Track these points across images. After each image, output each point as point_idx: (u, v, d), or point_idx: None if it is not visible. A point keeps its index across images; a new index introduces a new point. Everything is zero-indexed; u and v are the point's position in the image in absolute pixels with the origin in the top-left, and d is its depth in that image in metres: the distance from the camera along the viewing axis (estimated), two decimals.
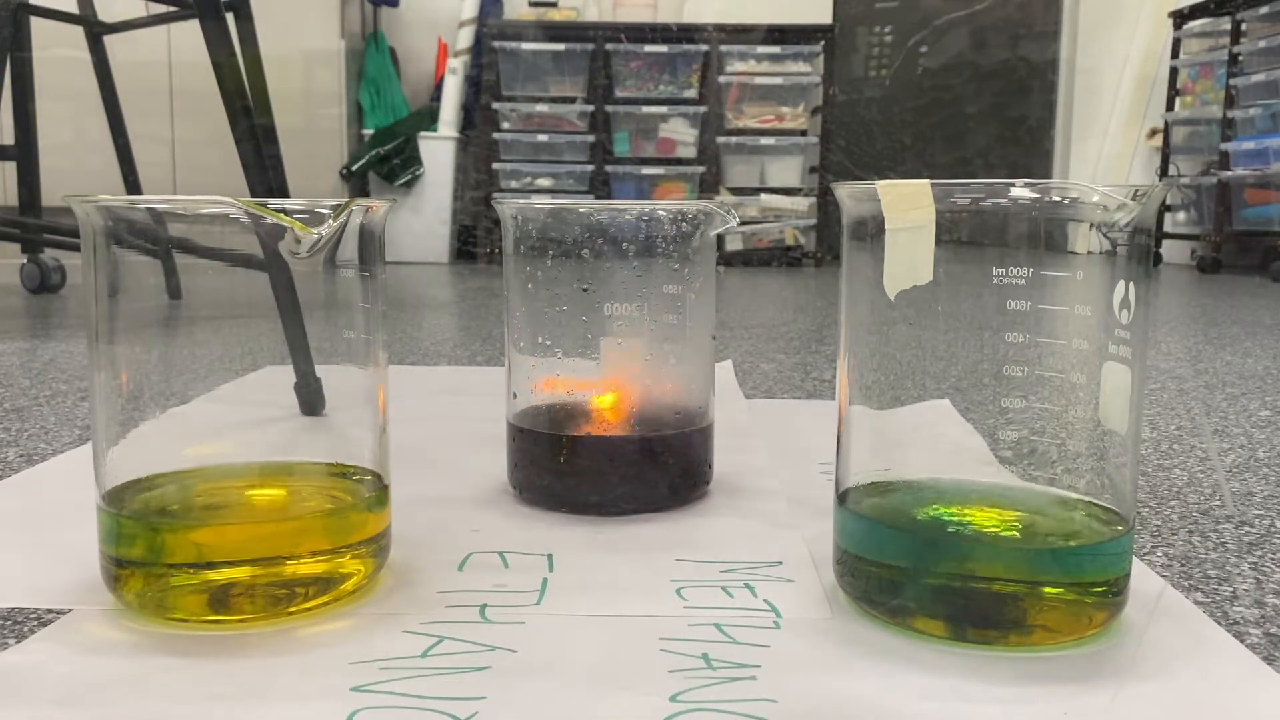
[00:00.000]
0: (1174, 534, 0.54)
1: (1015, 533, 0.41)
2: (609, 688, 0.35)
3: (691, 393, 0.57)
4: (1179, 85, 3.45)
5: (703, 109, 3.51)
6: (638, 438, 0.55)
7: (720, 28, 3.47)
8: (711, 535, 0.52)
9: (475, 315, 1.77)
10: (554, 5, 3.58)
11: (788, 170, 3.55)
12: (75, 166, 2.55)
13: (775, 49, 3.48)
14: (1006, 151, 3.85)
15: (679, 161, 3.50)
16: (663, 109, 3.48)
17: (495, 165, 3.45)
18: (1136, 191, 0.37)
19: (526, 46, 3.43)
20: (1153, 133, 3.57)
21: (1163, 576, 0.47)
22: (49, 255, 1.93)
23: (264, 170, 0.88)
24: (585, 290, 0.54)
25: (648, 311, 0.54)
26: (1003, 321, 0.39)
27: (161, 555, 0.40)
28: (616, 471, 0.55)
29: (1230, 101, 3.14)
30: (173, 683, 0.35)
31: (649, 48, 3.46)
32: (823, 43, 3.48)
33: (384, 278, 0.45)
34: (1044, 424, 0.40)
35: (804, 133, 3.52)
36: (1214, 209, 3.18)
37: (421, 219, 3.40)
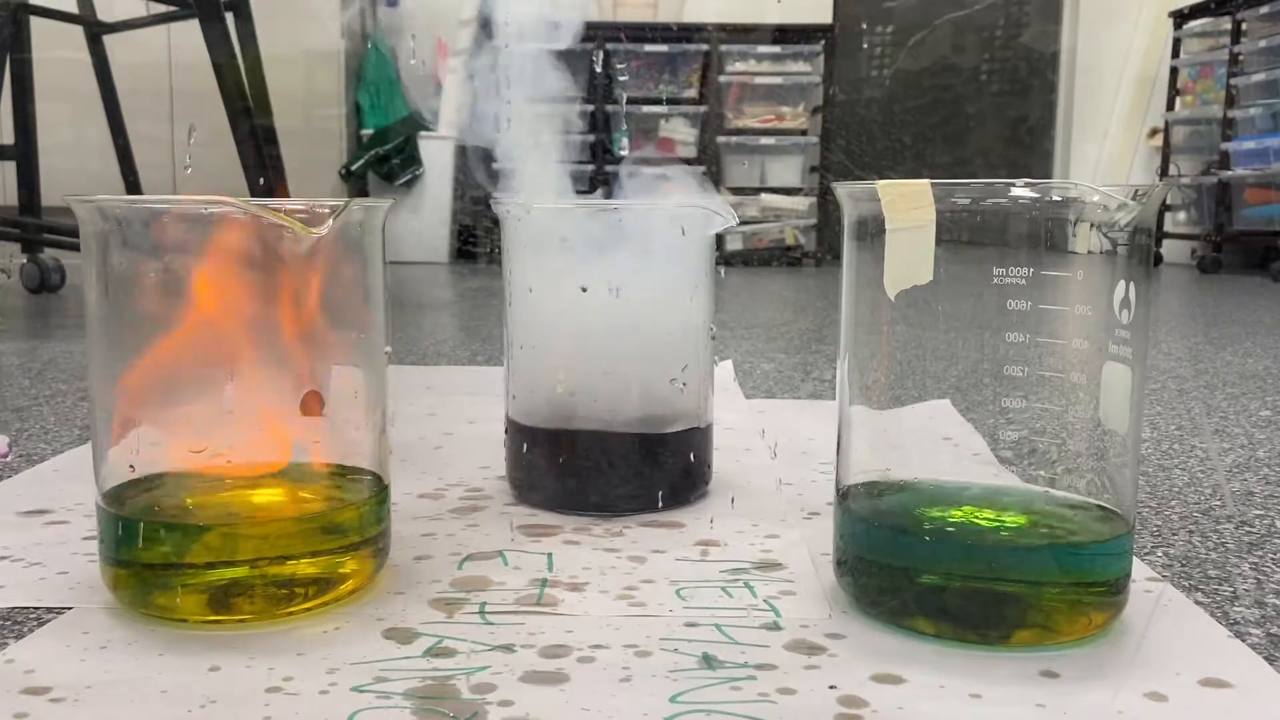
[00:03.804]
0: (1174, 534, 0.54)
1: (1015, 533, 0.41)
2: (609, 688, 0.35)
3: (691, 392, 0.57)
4: (1179, 85, 3.45)
5: (703, 109, 3.51)
6: (638, 438, 0.55)
7: (720, 27, 3.47)
8: (712, 535, 0.52)
9: (475, 315, 1.77)
10: None
11: (788, 170, 3.55)
12: (75, 167, 2.55)
13: (775, 49, 3.48)
14: (1006, 151, 3.85)
15: (679, 161, 3.49)
16: (663, 109, 3.48)
17: (495, 165, 3.45)
18: (1137, 191, 0.37)
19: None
20: (1153, 132, 3.57)
21: (1163, 576, 0.47)
22: (49, 255, 1.93)
23: (264, 170, 0.88)
24: (585, 290, 0.54)
25: (647, 310, 0.54)
26: (1003, 321, 0.39)
27: (161, 555, 0.40)
28: (616, 471, 0.55)
29: (1230, 101, 3.14)
30: (173, 683, 0.35)
31: (649, 47, 3.46)
32: (823, 43, 3.48)
33: (385, 278, 0.45)
34: (1044, 424, 0.40)
35: (804, 133, 3.53)
36: (1214, 209, 3.18)
37: (421, 219, 3.40)
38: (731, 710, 0.33)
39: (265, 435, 0.43)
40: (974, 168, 3.76)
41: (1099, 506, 0.40)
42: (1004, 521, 0.41)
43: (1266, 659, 0.38)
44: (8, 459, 0.56)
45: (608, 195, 0.57)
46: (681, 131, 3.50)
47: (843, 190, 0.41)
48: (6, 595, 0.43)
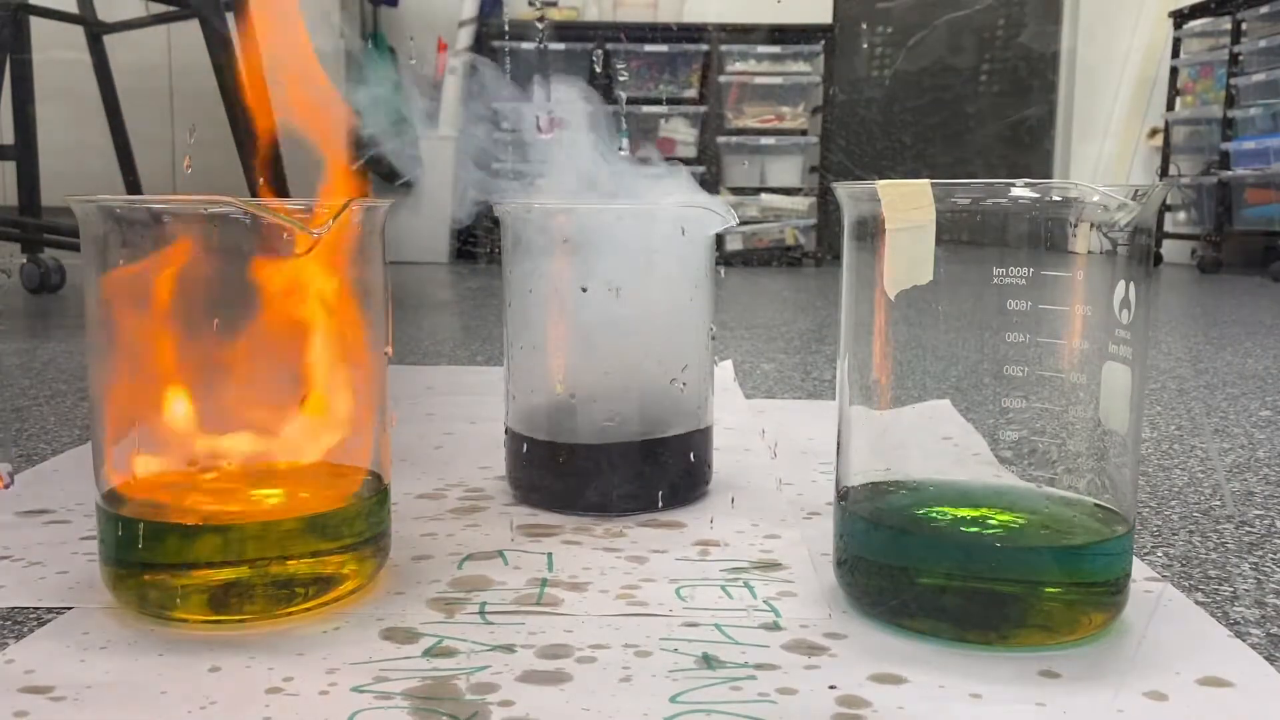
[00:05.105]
0: (1174, 534, 0.54)
1: (1015, 533, 0.41)
2: (609, 688, 0.35)
3: (691, 392, 0.57)
4: (1179, 85, 3.45)
5: (703, 109, 3.50)
6: (638, 438, 0.55)
7: (720, 27, 3.47)
8: (712, 535, 0.52)
9: (475, 315, 1.77)
10: (554, 5, 3.58)
11: (788, 170, 3.55)
12: (75, 167, 2.55)
13: (775, 49, 3.48)
14: (1006, 151, 3.85)
15: (679, 161, 3.49)
16: (663, 109, 3.48)
17: (495, 165, 3.45)
18: (1137, 191, 0.37)
19: (527, 46, 3.43)
20: (1153, 132, 3.56)
21: (1163, 576, 0.47)
22: (49, 255, 1.93)
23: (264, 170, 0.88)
24: (585, 290, 0.54)
25: (647, 311, 0.54)
26: (1003, 321, 0.39)
27: (161, 555, 0.40)
28: (616, 472, 0.55)
29: (1230, 101, 3.14)
30: (173, 683, 0.35)
31: (649, 47, 3.46)
32: (823, 43, 3.48)
33: (385, 278, 0.45)
34: (1044, 424, 0.40)
35: (804, 133, 3.52)
36: (1214, 209, 3.17)
37: (421, 219, 3.39)
38: (731, 710, 0.33)
39: (265, 435, 0.43)
40: (974, 168, 3.76)
41: (1099, 506, 0.40)
42: (1004, 521, 0.41)
43: (1266, 659, 0.38)
44: (8, 488, 0.56)
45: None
46: (681, 131, 3.50)
47: (843, 190, 0.41)
48: (6, 595, 0.43)
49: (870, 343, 0.41)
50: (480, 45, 3.46)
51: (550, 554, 0.49)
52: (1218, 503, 0.60)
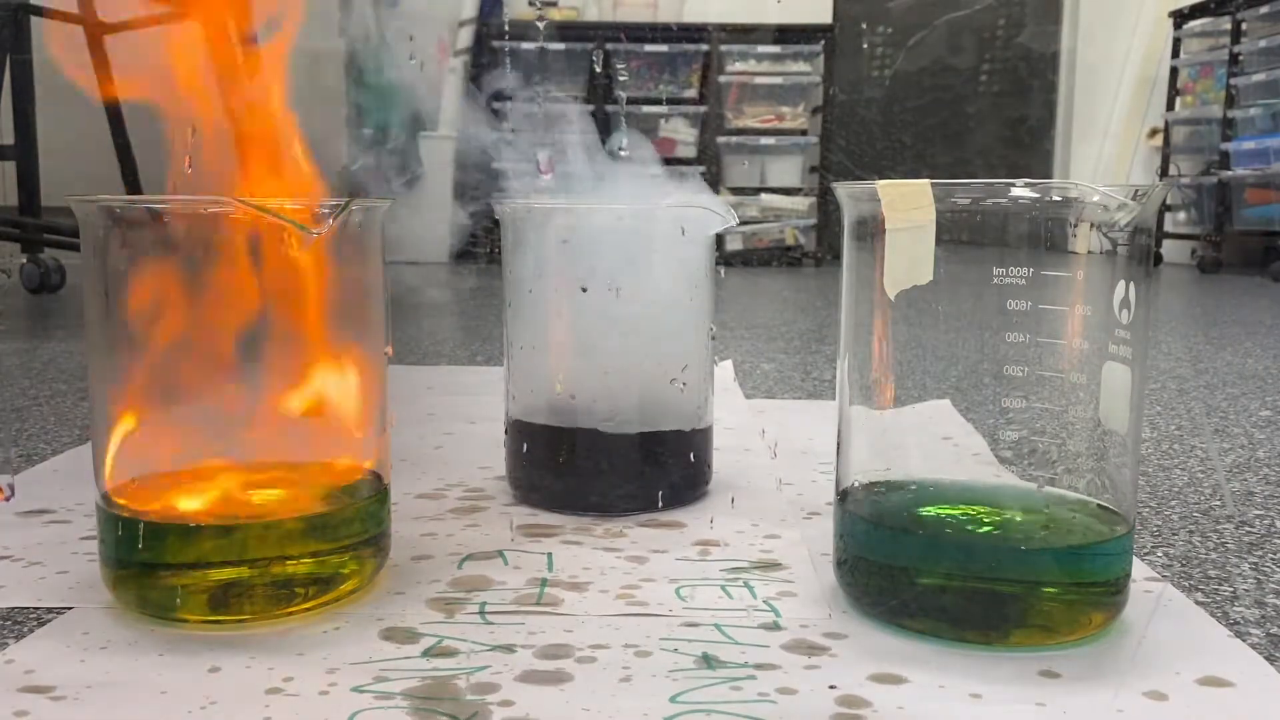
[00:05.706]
0: (1174, 534, 0.54)
1: (1015, 533, 0.41)
2: (609, 688, 0.35)
3: (691, 392, 0.57)
4: (1179, 85, 3.45)
5: (703, 109, 3.50)
6: (638, 438, 0.55)
7: (720, 27, 3.47)
8: (712, 535, 0.52)
9: (475, 315, 1.77)
10: (554, 4, 3.58)
11: (788, 170, 3.55)
12: (75, 167, 2.55)
13: (775, 49, 3.48)
14: (1006, 151, 3.85)
15: (679, 161, 3.49)
16: (663, 109, 3.48)
17: (495, 165, 3.44)
18: (1137, 191, 0.37)
19: (527, 46, 3.43)
20: (1153, 133, 3.56)
21: (1163, 576, 0.47)
22: (49, 255, 1.93)
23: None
24: (585, 290, 0.54)
25: (647, 311, 0.54)
26: (1003, 321, 0.39)
27: (161, 555, 0.40)
28: (616, 471, 0.55)
29: (1230, 101, 3.14)
30: (173, 683, 0.35)
31: (649, 47, 3.46)
32: (823, 43, 3.49)
33: (384, 278, 0.45)
34: (1044, 424, 0.40)
35: (804, 133, 3.53)
36: (1214, 209, 3.18)
37: (421, 219, 3.39)
38: (731, 710, 0.33)
39: (265, 435, 0.43)
40: (974, 168, 3.75)
41: (1099, 506, 0.40)
42: (1004, 521, 0.41)
43: (1266, 659, 0.38)
44: (9, 500, 0.56)
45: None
46: (681, 131, 3.50)
47: (843, 190, 0.41)
48: (6, 595, 0.43)
49: (870, 343, 0.41)
50: (480, 45, 3.47)
51: (550, 554, 0.49)
52: (1218, 503, 0.60)
